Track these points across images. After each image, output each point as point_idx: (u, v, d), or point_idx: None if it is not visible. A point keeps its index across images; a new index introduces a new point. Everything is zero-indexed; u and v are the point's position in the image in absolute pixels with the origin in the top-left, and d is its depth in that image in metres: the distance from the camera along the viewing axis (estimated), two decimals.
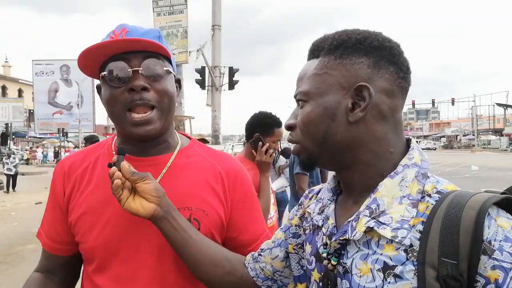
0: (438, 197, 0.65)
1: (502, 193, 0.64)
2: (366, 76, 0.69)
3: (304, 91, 0.74)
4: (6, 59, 49.30)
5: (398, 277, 0.62)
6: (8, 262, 5.41)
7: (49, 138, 37.85)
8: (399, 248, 0.64)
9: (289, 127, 0.78)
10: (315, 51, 0.76)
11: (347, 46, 0.71)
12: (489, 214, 0.59)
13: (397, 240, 0.64)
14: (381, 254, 0.65)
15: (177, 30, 14.12)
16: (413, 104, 64.03)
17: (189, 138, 1.14)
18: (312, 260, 0.80)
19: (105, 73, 0.92)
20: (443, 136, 67.80)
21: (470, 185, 11.58)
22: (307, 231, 0.85)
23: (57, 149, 33.13)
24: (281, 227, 0.97)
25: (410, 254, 0.62)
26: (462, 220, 0.59)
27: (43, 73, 33.18)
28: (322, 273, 0.75)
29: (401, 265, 0.63)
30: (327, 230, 0.75)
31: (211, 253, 0.92)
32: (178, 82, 1.05)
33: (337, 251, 0.71)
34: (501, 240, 0.57)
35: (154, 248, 0.94)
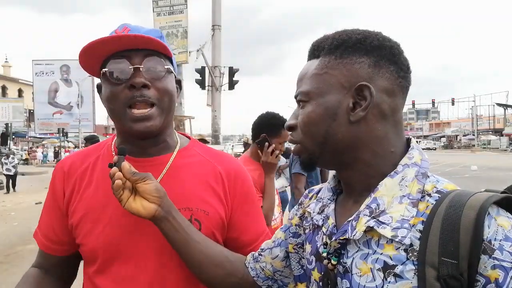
0: (438, 196, 0.65)
1: (502, 192, 0.64)
2: (367, 76, 0.69)
3: (304, 91, 0.74)
4: (6, 59, 49.33)
5: (398, 276, 0.63)
6: (8, 262, 5.40)
7: (49, 138, 37.86)
8: (399, 247, 0.64)
9: (290, 128, 0.78)
10: (316, 51, 0.76)
11: (347, 46, 0.71)
12: (489, 213, 0.59)
13: (397, 239, 0.64)
14: (381, 254, 0.65)
15: (177, 30, 14.12)
16: (413, 104, 64.09)
17: (189, 138, 1.14)
18: (312, 259, 0.80)
19: (106, 69, 0.92)
20: (443, 136, 67.77)
21: (470, 185, 11.58)
22: (307, 231, 0.85)
23: (57, 149, 33.16)
24: (281, 226, 0.97)
25: (410, 254, 0.62)
26: (462, 219, 0.59)
27: (43, 73, 33.21)
28: (322, 273, 0.75)
29: (401, 264, 0.63)
30: (327, 230, 0.75)
31: (212, 254, 0.92)
32: (179, 83, 1.05)
33: (337, 251, 0.71)
34: (501, 240, 0.57)
35: (155, 248, 0.94)
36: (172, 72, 0.98)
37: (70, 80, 32.88)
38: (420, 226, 0.63)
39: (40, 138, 39.21)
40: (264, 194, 2.23)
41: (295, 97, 0.77)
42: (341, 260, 0.70)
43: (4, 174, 13.90)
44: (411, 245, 0.63)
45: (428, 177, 0.69)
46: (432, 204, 0.64)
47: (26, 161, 30.03)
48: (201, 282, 0.95)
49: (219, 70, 12.88)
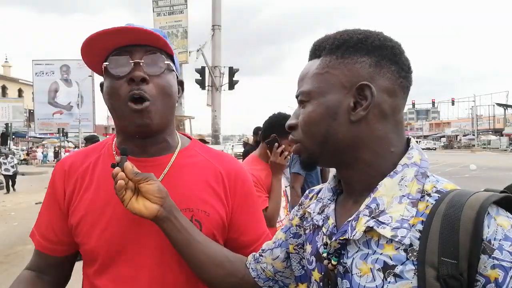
0: (438, 196, 0.65)
1: (501, 192, 0.64)
2: (368, 75, 0.69)
3: (305, 91, 0.74)
4: (6, 59, 49.27)
5: (398, 276, 0.63)
6: (8, 262, 5.40)
7: (49, 138, 37.82)
8: (399, 247, 0.64)
9: (291, 127, 0.78)
10: (317, 51, 0.76)
11: (348, 45, 0.71)
12: (488, 213, 0.60)
13: (397, 239, 0.64)
14: (381, 254, 0.65)
15: (177, 30, 14.13)
16: (413, 104, 64.06)
17: (190, 138, 1.13)
18: (312, 260, 0.80)
19: (107, 63, 0.93)
20: (443, 136, 67.72)
21: (470, 185, 11.57)
22: (307, 231, 0.85)
23: (57, 149, 33.11)
24: (282, 227, 0.97)
25: (410, 254, 0.62)
26: (462, 219, 0.59)
27: (43, 73, 33.18)
28: (323, 273, 0.75)
29: (401, 264, 0.63)
30: (327, 230, 0.75)
31: (213, 254, 0.92)
32: (181, 84, 1.05)
33: (337, 251, 0.71)
34: (500, 239, 0.58)
35: (156, 248, 0.94)
36: (173, 70, 0.98)
37: (70, 80, 32.86)
38: (419, 226, 0.63)
39: (40, 138, 39.18)
40: (270, 194, 2.23)
41: (296, 97, 0.77)
42: (341, 260, 0.71)
43: (3, 174, 13.88)
44: (410, 245, 0.63)
45: (428, 177, 0.69)
46: (432, 204, 0.64)
47: (25, 161, 30.01)
48: (202, 282, 0.95)
49: (219, 70, 12.88)
